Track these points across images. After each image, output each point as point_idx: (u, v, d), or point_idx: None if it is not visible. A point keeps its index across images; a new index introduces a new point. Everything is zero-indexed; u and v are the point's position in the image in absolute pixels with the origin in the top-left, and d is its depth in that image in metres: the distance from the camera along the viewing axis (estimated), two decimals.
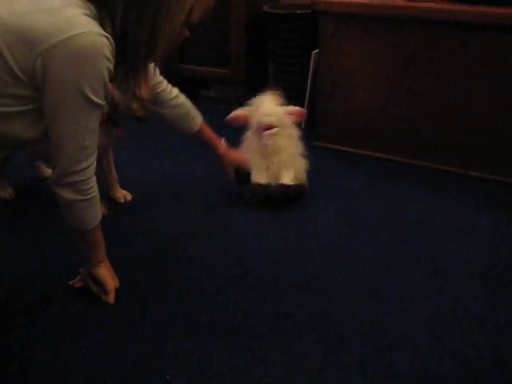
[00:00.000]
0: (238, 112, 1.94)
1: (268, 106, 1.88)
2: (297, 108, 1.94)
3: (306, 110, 1.96)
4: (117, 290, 1.44)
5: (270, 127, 1.86)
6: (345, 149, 2.33)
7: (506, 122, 2.00)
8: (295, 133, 1.95)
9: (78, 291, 1.46)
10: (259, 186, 1.90)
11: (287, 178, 1.89)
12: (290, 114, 1.91)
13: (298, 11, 2.50)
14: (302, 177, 1.94)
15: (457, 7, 1.97)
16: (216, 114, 2.76)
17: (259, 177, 1.92)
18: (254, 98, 1.93)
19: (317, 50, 2.33)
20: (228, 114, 2.72)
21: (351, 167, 2.21)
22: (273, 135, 1.87)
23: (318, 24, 2.24)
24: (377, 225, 1.80)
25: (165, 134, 2.52)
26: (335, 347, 1.29)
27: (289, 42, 2.56)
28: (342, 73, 2.24)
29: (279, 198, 1.87)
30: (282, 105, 1.91)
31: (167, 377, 1.21)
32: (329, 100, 2.30)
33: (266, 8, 2.61)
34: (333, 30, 2.20)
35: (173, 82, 3.02)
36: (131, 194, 1.95)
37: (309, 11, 2.42)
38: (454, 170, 2.14)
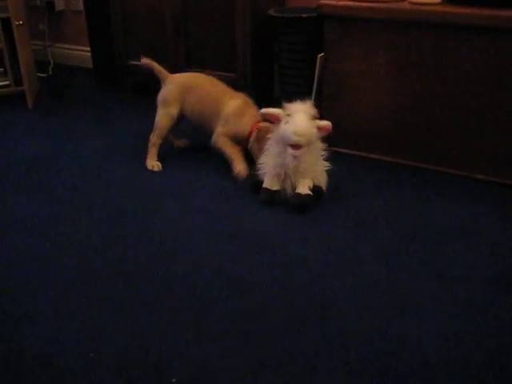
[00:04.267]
0: (272, 110, 1.92)
1: (301, 124, 1.83)
2: (326, 122, 1.90)
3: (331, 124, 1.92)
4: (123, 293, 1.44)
5: (298, 147, 1.85)
6: (350, 152, 2.33)
7: None
8: (319, 143, 1.93)
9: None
10: (268, 191, 1.93)
11: (303, 189, 1.89)
12: (319, 128, 1.88)
13: (304, 15, 2.50)
14: (322, 180, 1.95)
15: (463, 10, 1.96)
16: None
17: (270, 183, 1.94)
18: (290, 103, 1.89)
19: (322, 54, 2.33)
20: None
21: (357, 170, 2.21)
22: (298, 155, 1.87)
23: (323, 27, 2.24)
24: (382, 228, 1.80)
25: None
26: (339, 350, 1.29)
27: (294, 45, 2.57)
28: (348, 76, 2.24)
29: (292, 206, 1.90)
30: (314, 117, 1.87)
31: (173, 380, 1.21)
32: (334, 103, 2.30)
33: (271, 12, 2.61)
34: (338, 33, 2.20)
35: None
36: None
37: (314, 15, 2.42)
38: (460, 173, 2.13)
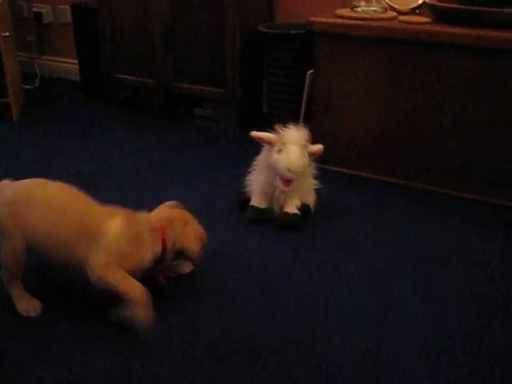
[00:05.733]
0: (264, 135, 1.83)
1: (294, 160, 1.77)
2: (318, 147, 1.85)
3: (323, 146, 1.86)
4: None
5: (289, 183, 1.82)
6: (339, 170, 2.31)
7: (502, 144, 1.99)
8: (310, 165, 1.89)
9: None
10: (256, 209, 1.91)
11: (291, 208, 1.87)
12: (311, 153, 1.84)
13: (293, 31, 2.49)
14: (310, 198, 1.92)
15: (452, 30, 1.97)
16: (209, 133, 2.77)
17: (258, 201, 1.91)
18: (282, 127, 1.82)
19: (312, 71, 2.32)
20: (222, 132, 2.75)
21: (346, 189, 2.19)
22: (289, 191, 1.84)
23: (313, 44, 2.23)
24: (371, 248, 1.78)
25: (164, 156, 2.51)
26: (331, 373, 1.26)
27: (283, 61, 2.55)
28: (337, 93, 2.23)
29: (280, 226, 1.88)
30: (307, 143, 1.82)
31: None
32: (323, 121, 2.29)
33: (260, 27, 2.61)
34: (328, 50, 2.19)
35: (166, 100, 3.04)
36: None
37: (304, 31, 2.41)
38: (450, 192, 2.12)
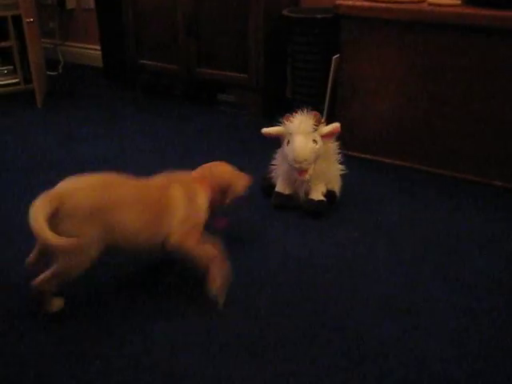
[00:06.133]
0: (272, 130, 1.84)
1: (299, 150, 1.76)
2: (331, 127, 1.82)
3: (339, 124, 1.83)
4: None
5: (303, 172, 1.81)
6: (365, 156, 2.28)
7: None
8: (332, 147, 1.87)
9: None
10: (281, 195, 1.89)
11: (316, 194, 1.85)
12: (327, 136, 1.82)
13: (319, 15, 2.45)
14: (336, 184, 1.90)
15: (482, 12, 1.91)
16: (232, 118, 2.76)
17: (282, 187, 1.90)
18: (287, 116, 1.82)
19: (337, 55, 2.28)
20: (245, 118, 2.73)
21: (372, 175, 2.16)
22: (306, 178, 1.82)
23: (338, 28, 2.19)
24: (398, 235, 1.75)
25: (187, 141, 2.50)
26: (356, 361, 1.25)
27: (308, 46, 2.52)
28: (364, 78, 2.19)
29: (305, 212, 1.86)
30: (317, 125, 1.79)
31: None
32: (349, 106, 2.25)
33: (285, 12, 2.57)
34: (354, 34, 2.16)
35: (189, 85, 3.03)
36: None
37: (329, 15, 2.37)
38: (477, 179, 2.08)
